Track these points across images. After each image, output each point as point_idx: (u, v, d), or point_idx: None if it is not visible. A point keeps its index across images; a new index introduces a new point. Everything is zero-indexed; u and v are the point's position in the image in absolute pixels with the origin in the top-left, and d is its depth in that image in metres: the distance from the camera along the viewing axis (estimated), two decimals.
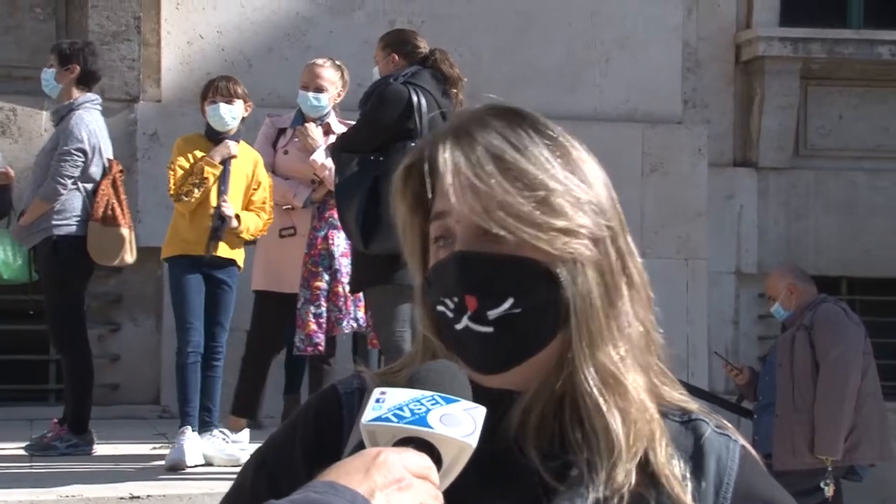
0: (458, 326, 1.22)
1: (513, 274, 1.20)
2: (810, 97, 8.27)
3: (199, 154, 5.46)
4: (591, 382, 1.21)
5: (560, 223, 1.20)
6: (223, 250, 5.46)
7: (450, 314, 1.22)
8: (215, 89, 5.51)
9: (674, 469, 1.22)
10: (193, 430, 5.32)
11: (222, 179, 5.46)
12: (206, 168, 5.40)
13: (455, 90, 4.92)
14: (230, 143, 5.49)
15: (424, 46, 5.04)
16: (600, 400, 1.21)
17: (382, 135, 4.80)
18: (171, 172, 5.45)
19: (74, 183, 5.64)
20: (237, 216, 5.46)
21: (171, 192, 5.45)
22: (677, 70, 7.93)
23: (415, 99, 4.78)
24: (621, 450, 1.21)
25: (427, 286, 1.26)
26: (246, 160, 5.61)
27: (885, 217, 8.25)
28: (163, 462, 5.35)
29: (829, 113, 8.30)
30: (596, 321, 1.22)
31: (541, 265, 1.21)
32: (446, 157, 1.21)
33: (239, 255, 5.57)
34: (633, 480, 1.20)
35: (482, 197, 1.19)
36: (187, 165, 5.43)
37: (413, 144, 4.66)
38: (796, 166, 8.24)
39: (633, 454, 1.21)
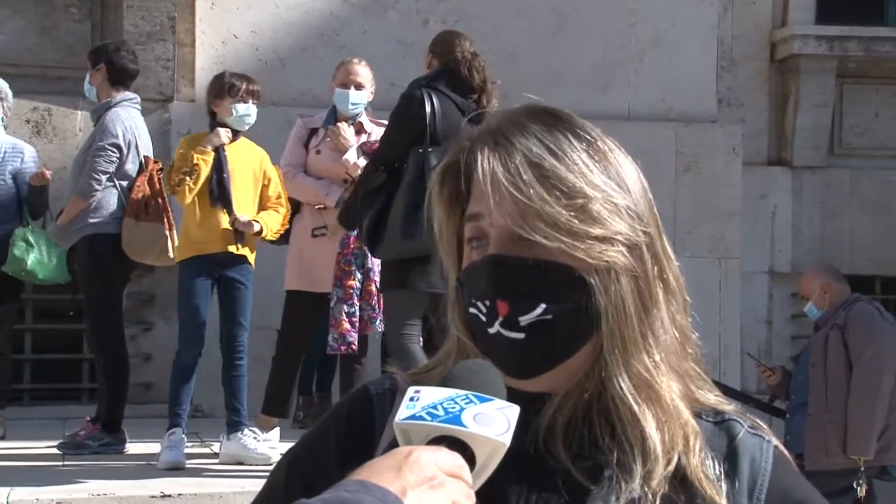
0: (491, 331, 1.22)
1: (546, 280, 1.20)
2: (846, 95, 8.21)
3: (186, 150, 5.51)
4: (625, 389, 1.21)
5: (597, 231, 1.20)
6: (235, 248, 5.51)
7: (482, 317, 1.22)
8: (248, 91, 5.53)
9: (707, 472, 1.22)
10: (183, 433, 5.38)
11: (220, 167, 5.47)
12: (197, 156, 5.41)
13: (477, 95, 4.86)
14: (220, 130, 5.51)
15: (463, 49, 4.97)
16: (635, 407, 1.21)
17: (401, 140, 4.81)
18: (173, 170, 5.47)
19: (111, 179, 5.67)
20: (255, 221, 5.50)
21: (166, 185, 5.46)
22: (712, 69, 7.88)
23: (427, 103, 4.77)
24: (657, 456, 1.20)
25: (460, 287, 1.26)
26: (252, 158, 5.63)
27: None
28: (195, 461, 5.38)
29: (864, 111, 8.23)
30: (629, 329, 1.21)
31: (574, 272, 1.20)
32: (485, 164, 1.21)
33: (251, 253, 5.60)
34: (666, 488, 1.20)
35: (520, 205, 1.19)
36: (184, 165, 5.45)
37: (421, 151, 4.71)
38: (831, 165, 8.17)
39: (668, 461, 1.21)
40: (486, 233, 1.23)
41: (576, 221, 1.19)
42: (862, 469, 5.49)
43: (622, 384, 1.21)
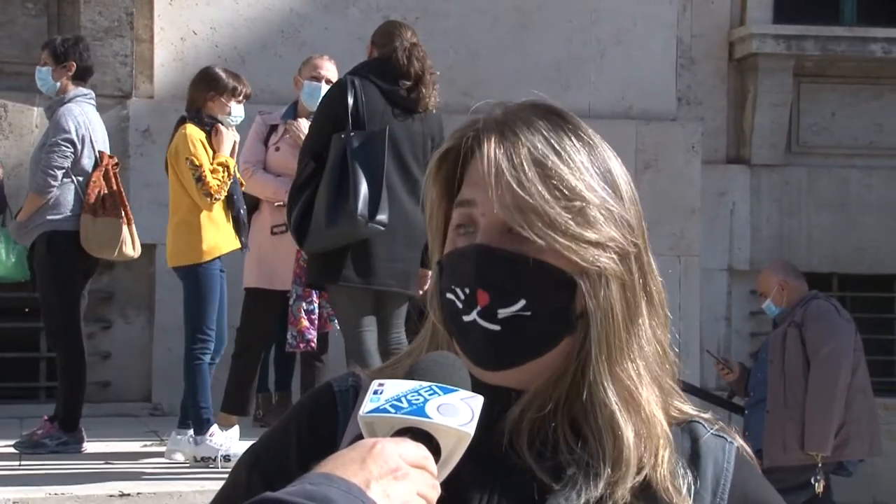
0: (466, 318, 1.21)
1: (530, 277, 1.20)
2: (803, 94, 8.29)
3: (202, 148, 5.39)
4: (611, 396, 1.21)
5: (592, 236, 1.20)
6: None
7: (459, 304, 1.22)
8: (245, 94, 5.52)
9: (676, 481, 1.22)
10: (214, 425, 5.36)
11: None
12: (224, 159, 5.36)
13: (412, 83, 4.82)
14: (231, 133, 5.45)
15: (403, 38, 4.89)
16: (617, 414, 1.21)
17: (324, 128, 4.78)
18: (204, 172, 5.28)
19: (67, 175, 5.61)
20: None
21: (206, 190, 5.27)
22: (671, 67, 7.94)
23: (349, 90, 4.72)
24: (630, 465, 1.20)
25: (440, 271, 1.26)
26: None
27: (877, 214, 8.27)
28: (153, 459, 5.34)
29: (821, 110, 8.32)
30: (616, 336, 1.22)
31: (562, 273, 1.20)
32: (490, 154, 1.21)
33: None
34: (628, 498, 1.20)
35: (519, 200, 1.19)
36: (207, 163, 5.33)
37: (342, 136, 4.70)
38: (789, 163, 8.25)
39: (639, 470, 1.21)
40: (476, 221, 1.23)
41: (573, 224, 1.20)
42: (819, 465, 5.55)
43: (608, 390, 1.21)
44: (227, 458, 5.22)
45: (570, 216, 1.20)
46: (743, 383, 6.11)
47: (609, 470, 1.19)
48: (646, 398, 1.23)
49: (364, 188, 4.62)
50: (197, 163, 5.28)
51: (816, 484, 5.51)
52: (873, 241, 8.24)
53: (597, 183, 1.23)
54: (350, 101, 4.72)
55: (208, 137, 5.42)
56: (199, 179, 5.27)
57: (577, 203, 1.21)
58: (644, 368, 1.24)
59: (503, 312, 1.20)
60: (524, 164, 1.20)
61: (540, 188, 1.20)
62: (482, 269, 1.21)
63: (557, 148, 1.22)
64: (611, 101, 7.76)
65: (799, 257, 7.69)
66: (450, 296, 1.23)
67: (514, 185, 1.19)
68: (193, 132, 5.38)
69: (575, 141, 1.24)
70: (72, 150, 5.59)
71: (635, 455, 1.21)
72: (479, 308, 1.21)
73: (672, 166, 7.81)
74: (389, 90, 4.79)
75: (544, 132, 1.23)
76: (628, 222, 1.24)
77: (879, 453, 5.94)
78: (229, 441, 5.39)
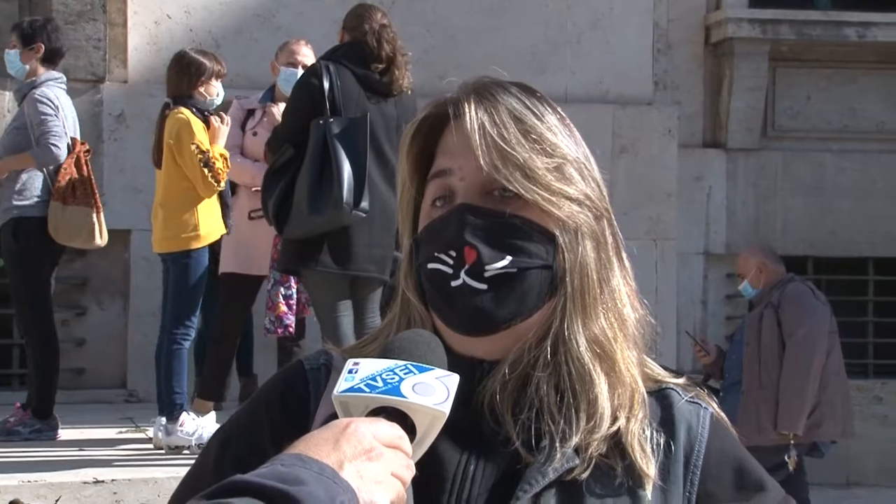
0: (455, 283, 1.22)
1: (514, 233, 1.22)
2: (779, 79, 8.30)
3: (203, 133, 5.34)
4: (582, 349, 1.23)
5: (572, 191, 1.24)
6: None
7: (447, 269, 1.22)
8: (222, 71, 5.49)
9: (644, 442, 1.23)
10: (189, 413, 5.34)
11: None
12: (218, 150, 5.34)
13: (384, 66, 4.79)
14: (218, 123, 5.41)
15: (373, 21, 4.85)
16: (590, 366, 1.23)
17: (300, 113, 4.74)
18: (213, 157, 5.22)
19: None
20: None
21: (220, 178, 5.23)
22: (648, 52, 7.94)
23: (324, 75, 4.70)
24: (604, 415, 1.22)
25: (417, 247, 1.26)
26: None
27: (852, 198, 8.31)
28: (128, 446, 5.31)
29: (797, 94, 8.34)
30: (591, 291, 1.24)
31: (543, 228, 1.23)
32: (472, 113, 1.23)
33: None
34: (603, 449, 1.21)
35: (505, 154, 1.22)
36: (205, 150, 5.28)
37: (321, 122, 4.67)
38: (764, 147, 8.27)
39: (613, 420, 1.22)
40: (454, 189, 1.25)
41: (553, 178, 1.23)
42: (793, 443, 5.59)
43: (580, 344, 1.23)
44: (201, 446, 5.19)
45: (550, 170, 1.23)
46: (719, 366, 6.14)
47: (583, 421, 1.21)
48: (620, 355, 1.25)
49: (348, 175, 4.59)
50: (204, 148, 5.24)
51: (789, 461, 5.55)
52: (848, 224, 8.28)
53: (571, 144, 1.27)
54: (326, 85, 4.68)
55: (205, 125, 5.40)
56: (207, 165, 5.23)
57: (557, 159, 1.24)
58: (618, 327, 1.26)
59: (490, 270, 1.22)
60: (505, 120, 1.24)
61: (523, 142, 1.23)
62: (467, 227, 1.22)
63: (532, 108, 1.26)
64: (587, 85, 7.75)
65: (774, 241, 7.72)
66: (433, 265, 1.24)
67: (499, 140, 1.22)
68: (192, 118, 5.33)
69: (546, 105, 1.29)
70: (59, 121, 5.52)
71: (609, 406, 1.22)
72: (467, 266, 1.22)
73: (648, 150, 7.82)
74: (363, 74, 4.77)
75: (518, 95, 1.27)
76: (599, 185, 1.29)
77: (852, 435, 5.99)
78: (203, 427, 5.37)
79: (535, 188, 1.22)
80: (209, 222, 5.39)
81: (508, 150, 1.22)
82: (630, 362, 1.26)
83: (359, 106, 4.74)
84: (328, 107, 4.67)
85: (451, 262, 1.22)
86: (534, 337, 1.24)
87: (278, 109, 5.77)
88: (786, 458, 5.55)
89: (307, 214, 4.62)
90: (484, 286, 1.21)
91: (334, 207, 4.58)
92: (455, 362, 1.17)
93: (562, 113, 1.30)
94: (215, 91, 5.48)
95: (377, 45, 4.77)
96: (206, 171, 5.22)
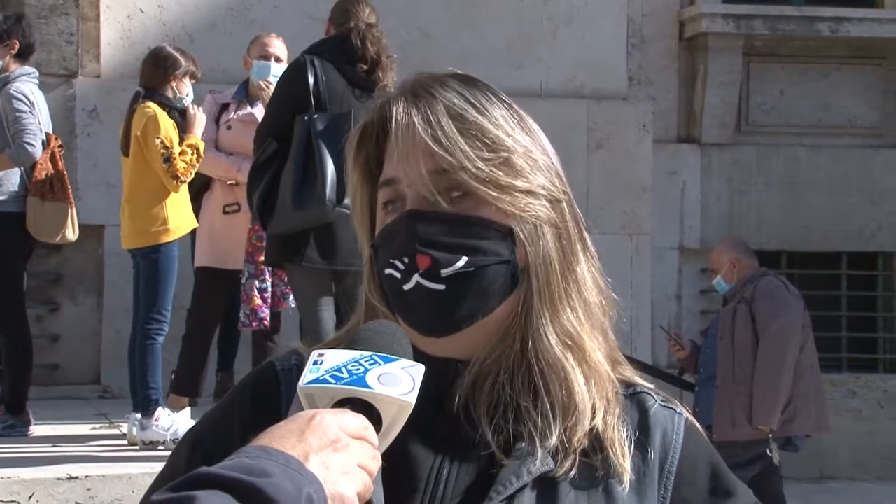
0: (408, 287, 1.20)
1: (466, 233, 1.20)
2: (752, 74, 8.34)
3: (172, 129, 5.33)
4: (553, 342, 1.21)
5: (522, 184, 1.21)
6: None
7: (399, 275, 1.20)
8: (196, 73, 5.51)
9: (620, 435, 1.22)
10: (164, 408, 5.32)
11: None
12: (195, 141, 5.35)
13: (369, 66, 4.78)
14: (196, 111, 5.43)
15: (359, 18, 4.83)
16: (563, 360, 1.21)
17: (284, 108, 4.73)
18: (174, 153, 5.23)
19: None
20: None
21: (174, 172, 5.22)
22: (623, 46, 7.95)
23: (309, 70, 4.68)
24: (584, 409, 1.20)
25: (374, 253, 1.25)
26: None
27: (825, 193, 8.36)
28: (102, 442, 5.28)
29: (770, 89, 8.38)
30: (556, 283, 1.22)
31: (497, 224, 1.20)
32: (402, 116, 1.20)
33: None
34: (585, 444, 1.20)
35: (440, 158, 1.18)
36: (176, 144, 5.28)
37: (306, 118, 4.65)
38: (738, 142, 8.31)
39: (593, 413, 1.21)
40: (403, 195, 1.21)
41: (500, 173, 1.20)
42: (770, 437, 5.62)
43: (550, 338, 1.21)
44: (176, 441, 5.17)
45: (495, 166, 1.20)
46: (693, 360, 6.17)
47: (560, 420, 1.19)
48: (590, 345, 1.23)
49: (331, 172, 4.58)
50: (168, 144, 5.24)
51: (771, 454, 5.58)
52: (821, 218, 8.33)
53: (518, 134, 1.23)
54: (311, 80, 4.67)
55: (174, 119, 5.38)
56: (168, 160, 5.22)
57: (503, 153, 1.21)
58: (585, 316, 1.24)
59: (446, 272, 1.19)
60: (440, 120, 1.20)
61: (461, 142, 1.19)
62: (417, 234, 1.20)
63: (474, 101, 1.22)
64: (562, 80, 7.76)
65: (749, 235, 7.76)
66: (389, 271, 1.22)
67: (433, 144, 1.19)
68: (160, 112, 5.33)
69: (491, 97, 1.25)
70: (35, 119, 5.48)
71: (587, 399, 1.21)
72: (420, 271, 1.20)
73: (623, 145, 7.83)
74: (349, 71, 4.76)
75: (459, 89, 1.23)
76: (556, 171, 1.25)
77: (827, 429, 6.02)
78: (178, 423, 5.35)
79: (481, 186, 1.19)
80: (179, 215, 5.37)
81: (446, 152, 1.18)
82: (597, 349, 1.24)
83: (343, 101, 4.72)
84: (313, 102, 4.66)
85: (403, 267, 1.20)
86: (502, 332, 1.22)
87: (270, 83, 5.72)
88: (767, 451, 5.58)
89: (291, 210, 4.62)
90: (441, 286, 1.19)
91: (318, 204, 4.57)
92: (426, 365, 1.14)
93: (509, 101, 1.26)
94: (185, 90, 5.47)
95: (361, 45, 4.75)
96: (165, 165, 5.22)
